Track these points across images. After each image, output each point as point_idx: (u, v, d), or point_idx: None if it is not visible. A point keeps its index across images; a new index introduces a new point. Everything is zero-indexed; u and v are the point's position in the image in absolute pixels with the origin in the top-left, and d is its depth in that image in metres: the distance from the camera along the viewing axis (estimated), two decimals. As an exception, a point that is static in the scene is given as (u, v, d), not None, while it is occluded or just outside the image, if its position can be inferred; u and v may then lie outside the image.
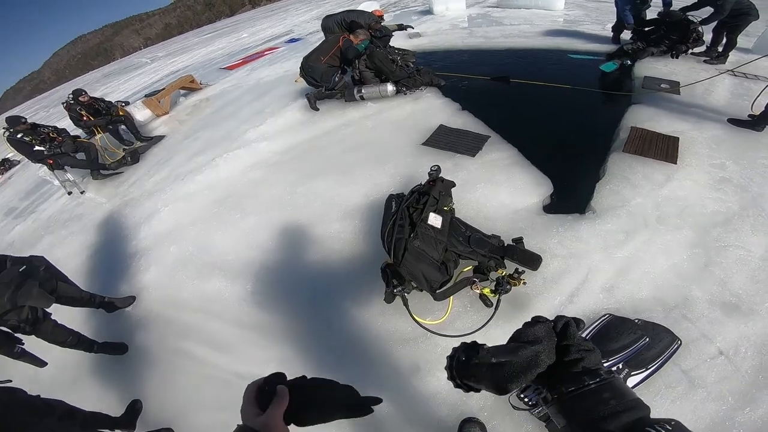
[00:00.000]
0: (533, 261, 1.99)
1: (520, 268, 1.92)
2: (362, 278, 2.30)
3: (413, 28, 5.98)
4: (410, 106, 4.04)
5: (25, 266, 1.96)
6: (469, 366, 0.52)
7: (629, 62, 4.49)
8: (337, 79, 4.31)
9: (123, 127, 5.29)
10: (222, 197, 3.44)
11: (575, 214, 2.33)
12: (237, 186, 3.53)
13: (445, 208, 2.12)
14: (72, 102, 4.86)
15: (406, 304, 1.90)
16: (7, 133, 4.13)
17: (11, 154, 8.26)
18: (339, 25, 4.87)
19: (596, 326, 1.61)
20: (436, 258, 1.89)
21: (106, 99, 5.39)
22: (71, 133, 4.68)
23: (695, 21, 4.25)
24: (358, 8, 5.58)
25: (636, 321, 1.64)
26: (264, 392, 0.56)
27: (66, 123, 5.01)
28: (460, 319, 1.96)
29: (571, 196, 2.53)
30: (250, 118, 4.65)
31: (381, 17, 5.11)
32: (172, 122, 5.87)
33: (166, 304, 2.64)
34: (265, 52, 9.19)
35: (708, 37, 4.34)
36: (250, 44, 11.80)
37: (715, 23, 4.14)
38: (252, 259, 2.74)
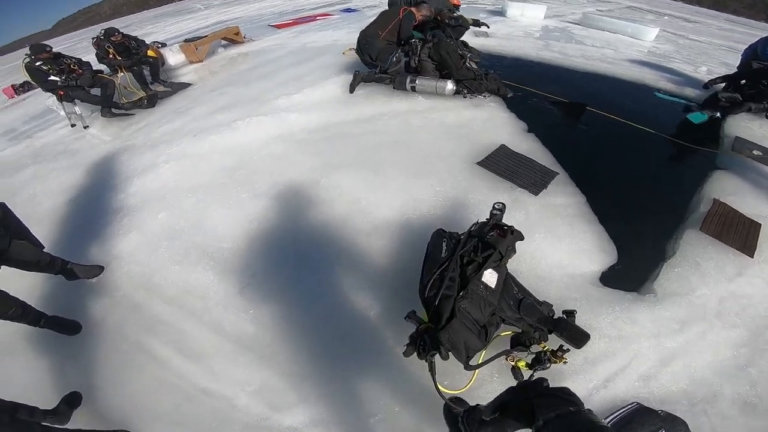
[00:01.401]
0: (581, 339, 1.67)
1: (565, 345, 1.60)
2: (381, 320, 1.83)
3: (489, 27, 5.33)
4: (469, 113, 3.44)
5: None
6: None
7: (719, 115, 3.79)
8: (394, 59, 3.77)
9: (147, 70, 5.01)
10: (233, 167, 2.95)
11: (634, 293, 2.04)
12: (253, 158, 3.03)
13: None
14: (102, 38, 4.63)
15: (433, 372, 1.43)
16: (27, 60, 4.00)
17: (32, 78, 8.40)
18: (408, 3, 4.28)
19: (622, 413, 1.55)
20: (479, 321, 1.50)
21: (144, 39, 5.14)
22: (95, 68, 4.48)
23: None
24: None
25: (660, 413, 1.57)
26: None
27: (91, 58, 4.76)
28: (483, 387, 1.64)
29: (633, 270, 2.17)
30: (286, 82, 4.14)
31: (457, 6, 4.51)
32: (204, 71, 5.46)
33: (137, 285, 2.21)
34: (318, 17, 8.71)
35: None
36: (305, 6, 11.33)
37: None
38: (250, 253, 2.26)
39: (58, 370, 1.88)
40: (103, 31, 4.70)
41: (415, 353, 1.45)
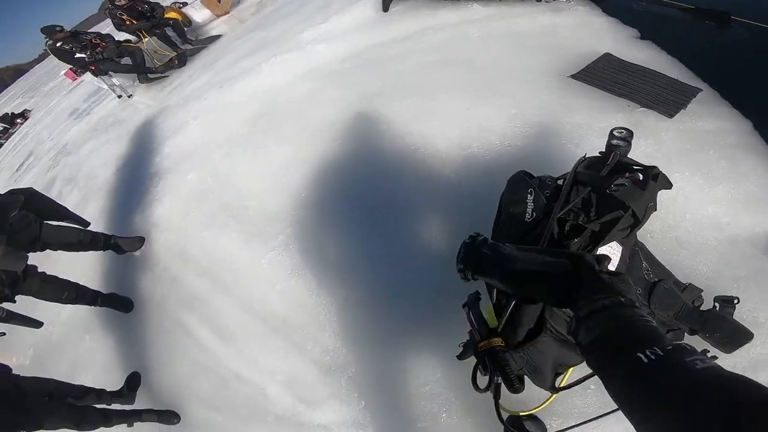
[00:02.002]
0: (739, 340, 1.02)
1: (710, 350, 1.00)
2: (433, 303, 1.34)
3: None
4: (547, 18, 2.50)
5: None
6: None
7: None
8: None
9: (171, 31, 4.84)
10: (257, 113, 2.61)
11: None
12: (278, 100, 2.66)
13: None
14: (111, 6, 4.48)
15: (497, 397, 0.82)
16: (49, 42, 4.06)
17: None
18: None
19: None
20: None
21: (164, 4, 4.97)
22: (117, 39, 4.48)
23: None
24: None
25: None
26: None
27: (112, 30, 4.78)
28: (564, 402, 1.09)
29: None
30: (311, 15, 3.57)
31: None
32: (233, 21, 5.17)
33: (173, 254, 2.12)
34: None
35: None
36: None
37: None
38: (276, 212, 1.93)
39: (118, 349, 1.95)
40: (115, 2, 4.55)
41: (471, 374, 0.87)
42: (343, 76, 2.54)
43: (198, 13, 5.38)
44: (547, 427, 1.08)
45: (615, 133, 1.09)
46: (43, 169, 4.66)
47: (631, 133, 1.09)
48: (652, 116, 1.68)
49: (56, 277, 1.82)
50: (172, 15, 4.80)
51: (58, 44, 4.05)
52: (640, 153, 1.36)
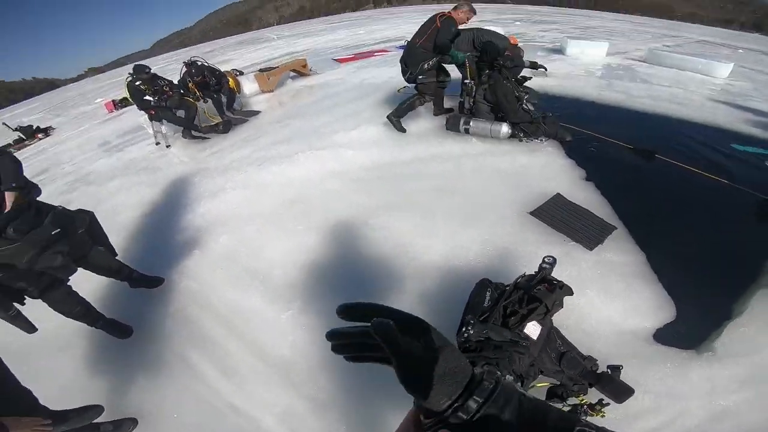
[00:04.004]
0: (623, 394, 1.60)
1: (605, 399, 1.55)
2: None
3: (546, 70, 5.24)
4: (525, 158, 3.37)
5: (59, 229, 1.77)
6: None
7: None
8: (426, 66, 3.61)
9: (223, 98, 5.43)
10: (292, 200, 3.16)
11: (691, 351, 1.93)
12: (310, 192, 3.23)
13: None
14: (188, 74, 5.04)
15: None
16: (129, 78, 4.50)
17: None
18: (470, 44, 4.26)
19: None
20: (516, 371, 1.50)
21: (224, 69, 5.60)
22: (181, 92, 4.89)
23: None
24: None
25: None
26: None
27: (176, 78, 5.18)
28: None
29: (692, 328, 2.03)
30: (344, 118, 4.40)
31: (516, 45, 4.51)
32: (273, 101, 6.00)
33: (191, 300, 2.41)
34: (376, 53, 9.21)
35: None
36: (365, 42, 12.04)
37: None
38: (298, 282, 2.38)
39: (102, 369, 2.06)
40: (192, 65, 5.06)
41: None
42: (366, 184, 3.19)
43: (249, 85, 6.25)
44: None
45: (545, 259, 1.77)
46: (57, 190, 4.70)
47: (555, 261, 1.77)
48: (578, 249, 2.39)
49: (76, 292, 2.00)
50: (231, 85, 5.44)
51: (137, 83, 4.45)
52: (566, 275, 2.01)
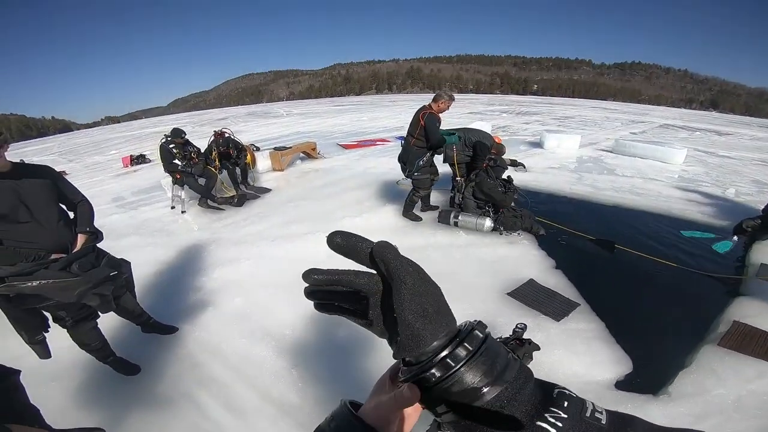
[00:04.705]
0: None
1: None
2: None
3: (525, 168, 6.16)
4: (504, 250, 3.93)
5: (115, 272, 2.01)
6: None
7: (736, 239, 4.10)
8: (421, 162, 4.12)
9: (239, 171, 5.78)
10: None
11: (649, 395, 2.25)
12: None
13: None
14: (215, 144, 5.40)
15: None
16: (164, 140, 4.81)
17: (149, 152, 9.99)
18: (462, 144, 4.76)
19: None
20: None
21: (241, 142, 5.84)
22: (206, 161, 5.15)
23: None
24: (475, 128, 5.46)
25: None
26: None
27: (200, 143, 5.46)
28: None
29: (649, 377, 2.40)
30: (349, 204, 5.01)
31: (501, 145, 5.21)
32: (283, 181, 6.58)
33: (203, 348, 2.60)
34: (377, 142, 10.35)
35: None
36: (367, 129, 13.43)
37: None
38: (308, 342, 2.64)
39: (103, 400, 2.14)
40: (221, 136, 5.34)
41: None
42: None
43: (262, 162, 6.83)
44: None
45: (518, 325, 2.19)
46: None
47: (525, 327, 2.20)
48: (548, 320, 2.82)
49: (99, 328, 2.14)
50: (248, 160, 5.80)
51: (171, 146, 4.71)
52: (537, 339, 2.37)
